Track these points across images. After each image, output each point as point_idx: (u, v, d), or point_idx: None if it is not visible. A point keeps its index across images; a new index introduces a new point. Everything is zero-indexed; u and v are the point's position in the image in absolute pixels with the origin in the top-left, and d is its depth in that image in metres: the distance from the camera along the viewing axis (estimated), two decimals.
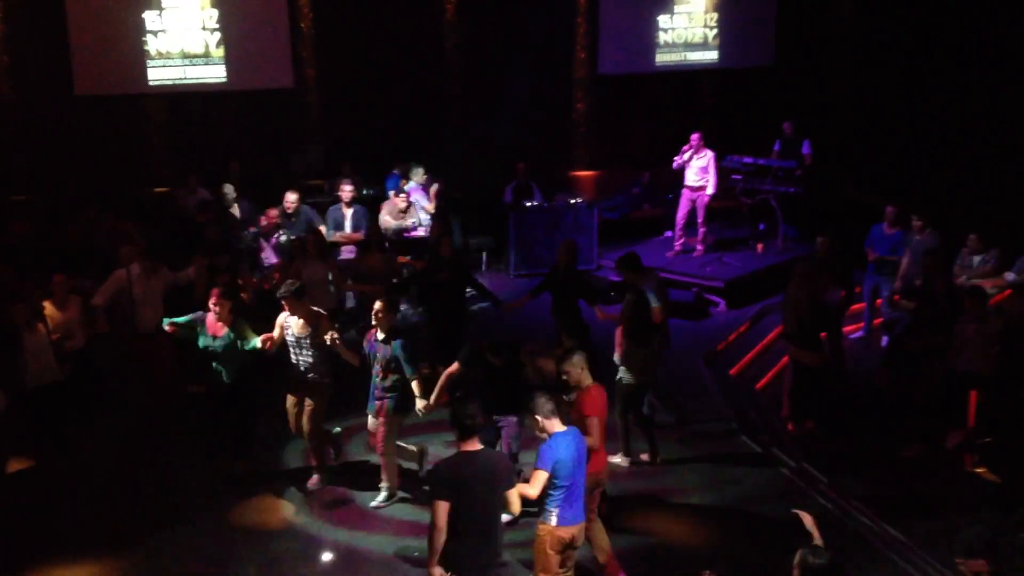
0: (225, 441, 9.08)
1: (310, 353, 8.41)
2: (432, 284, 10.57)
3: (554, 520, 6.37)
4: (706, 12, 17.88)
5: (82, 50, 15.21)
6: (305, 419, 8.53)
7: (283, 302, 8.39)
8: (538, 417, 6.34)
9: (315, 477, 8.81)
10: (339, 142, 16.13)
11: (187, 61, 15.74)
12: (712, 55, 18.06)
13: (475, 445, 5.94)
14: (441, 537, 5.75)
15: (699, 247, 14.20)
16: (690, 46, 17.95)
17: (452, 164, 15.64)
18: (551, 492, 6.32)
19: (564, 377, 7.16)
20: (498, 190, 15.52)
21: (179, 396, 10.05)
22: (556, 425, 6.36)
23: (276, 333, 8.48)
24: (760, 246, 14.39)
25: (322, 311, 8.63)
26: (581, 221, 14.88)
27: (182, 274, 10.26)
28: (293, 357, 8.50)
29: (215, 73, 15.89)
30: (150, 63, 15.57)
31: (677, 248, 14.32)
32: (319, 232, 11.69)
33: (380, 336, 8.22)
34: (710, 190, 13.94)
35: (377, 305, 8.22)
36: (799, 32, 17.83)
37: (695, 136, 13.87)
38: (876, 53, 17.37)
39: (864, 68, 17.52)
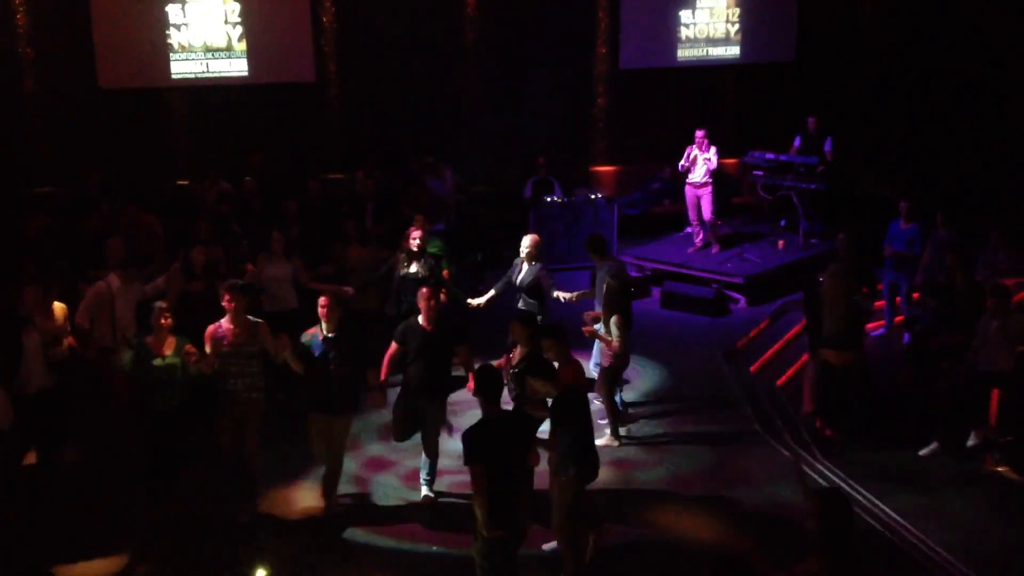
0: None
1: (248, 365, 7.98)
2: (404, 278, 10.26)
3: (573, 471, 6.93)
4: (728, 7, 17.80)
5: (105, 43, 15.30)
6: (246, 442, 8.09)
7: (226, 294, 7.91)
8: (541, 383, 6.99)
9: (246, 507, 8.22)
10: (360, 136, 16.16)
11: (209, 55, 15.81)
12: (734, 50, 17.98)
13: (498, 409, 6.37)
14: (486, 499, 6.10)
15: (715, 245, 14.13)
16: (712, 41, 17.88)
17: (472, 159, 15.66)
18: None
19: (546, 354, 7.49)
20: (518, 185, 15.52)
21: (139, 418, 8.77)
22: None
23: (209, 348, 7.88)
24: (781, 242, 14.32)
25: (260, 320, 8.16)
26: (601, 216, 14.88)
27: (150, 286, 9.61)
28: (227, 371, 7.92)
29: (237, 67, 15.95)
30: (173, 56, 15.65)
31: (698, 244, 14.28)
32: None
33: (328, 332, 7.94)
34: (701, 178, 13.76)
35: (322, 300, 7.95)
36: (821, 28, 17.72)
37: (700, 132, 13.76)
38: (897, 49, 17.27)
39: (885, 64, 17.41)
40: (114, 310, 9.21)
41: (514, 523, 6.28)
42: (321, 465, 8.35)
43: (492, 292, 10.27)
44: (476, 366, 7.05)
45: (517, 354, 7.91)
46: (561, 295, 9.75)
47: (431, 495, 8.38)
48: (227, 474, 8.19)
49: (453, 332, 8.33)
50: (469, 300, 10.29)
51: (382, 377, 8.23)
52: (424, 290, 8.27)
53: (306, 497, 8.58)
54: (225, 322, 7.95)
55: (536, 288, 9.90)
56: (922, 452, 9.16)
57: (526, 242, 9.93)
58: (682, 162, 13.82)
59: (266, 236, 10.81)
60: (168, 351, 7.84)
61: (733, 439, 9.68)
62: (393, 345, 8.25)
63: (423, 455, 8.36)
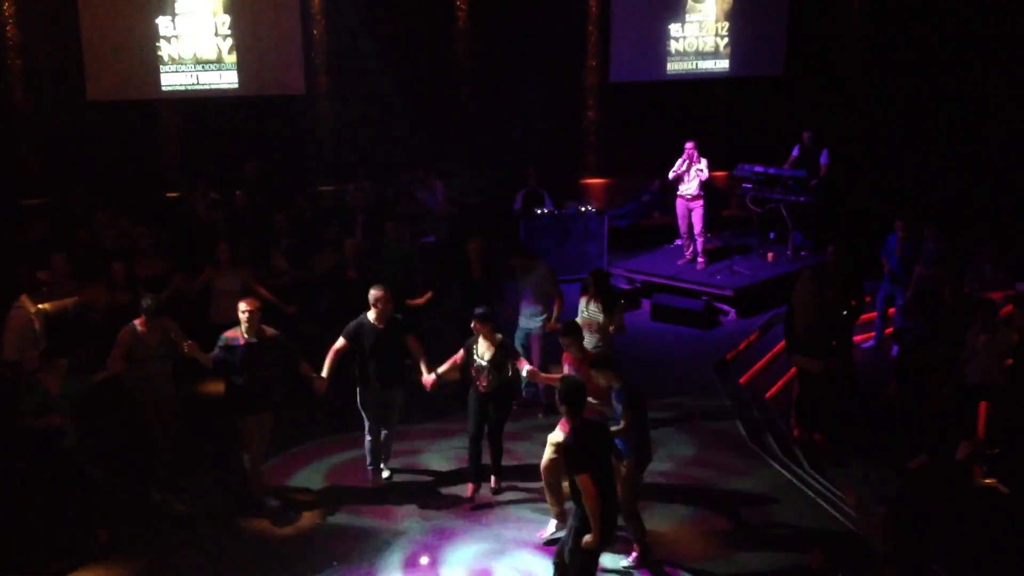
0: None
1: (166, 367, 8.50)
2: (344, 284, 10.83)
3: (639, 457, 7.61)
4: (717, 21, 17.90)
5: (95, 55, 15.27)
6: (165, 441, 8.59)
7: (143, 315, 8.35)
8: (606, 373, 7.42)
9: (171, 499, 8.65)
10: (350, 149, 16.16)
11: (200, 67, 15.79)
12: (723, 64, 18.07)
13: (582, 418, 6.66)
14: (598, 505, 6.35)
15: (700, 259, 14.13)
16: (701, 55, 17.97)
17: (463, 171, 15.67)
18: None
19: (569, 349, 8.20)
20: (509, 197, 15.54)
21: None
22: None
23: (120, 352, 8.28)
24: (770, 255, 14.37)
25: (173, 323, 8.64)
26: (591, 228, 14.90)
27: (53, 306, 9.71)
28: (144, 374, 8.38)
29: (227, 79, 15.94)
30: (163, 68, 15.63)
31: (687, 256, 14.30)
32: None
33: (249, 337, 8.29)
34: (694, 191, 13.78)
35: (244, 306, 8.30)
36: (810, 42, 17.83)
37: (689, 144, 13.77)
38: (886, 63, 17.37)
39: (874, 78, 17.51)
40: (35, 333, 9.34)
41: (610, 525, 6.63)
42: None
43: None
44: (525, 369, 8.53)
45: (487, 347, 8.51)
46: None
47: (388, 473, 9.15)
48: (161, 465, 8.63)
49: (401, 326, 8.80)
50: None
51: (326, 367, 8.61)
52: (380, 293, 8.59)
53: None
54: (139, 324, 8.37)
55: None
56: (911, 464, 9.20)
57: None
58: (672, 172, 13.81)
59: (258, 248, 10.89)
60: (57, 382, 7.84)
61: (722, 451, 9.69)
62: (341, 341, 8.64)
63: (381, 436, 8.97)
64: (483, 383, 8.56)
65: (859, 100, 17.63)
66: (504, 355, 8.58)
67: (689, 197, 13.85)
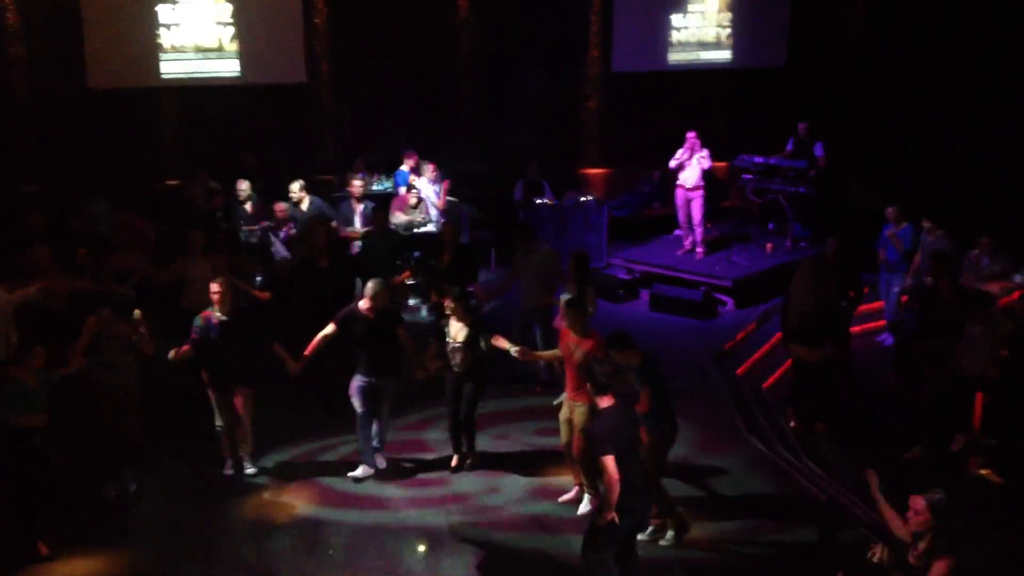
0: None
1: (129, 357, 8.57)
2: (316, 272, 10.85)
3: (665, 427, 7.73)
4: (720, 12, 17.84)
5: (95, 43, 15.26)
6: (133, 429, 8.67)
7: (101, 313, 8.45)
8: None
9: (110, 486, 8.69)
10: (351, 137, 16.17)
11: (200, 55, 15.79)
12: (725, 55, 18.02)
13: (611, 400, 6.64)
14: (617, 488, 6.37)
15: (699, 249, 14.15)
16: (703, 45, 17.92)
17: (463, 160, 15.66)
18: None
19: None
20: (509, 187, 15.54)
21: None
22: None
23: (84, 343, 8.36)
24: (769, 246, 14.37)
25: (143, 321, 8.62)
26: (591, 219, 14.90)
27: (16, 295, 9.53)
28: (105, 362, 8.45)
29: (228, 67, 15.94)
30: (163, 56, 15.62)
31: (687, 246, 14.31)
32: (233, 230, 11.93)
33: (222, 315, 8.56)
34: (695, 181, 13.83)
35: (214, 287, 8.54)
36: (812, 34, 17.78)
37: (691, 134, 13.77)
38: (888, 56, 17.31)
39: (876, 71, 17.46)
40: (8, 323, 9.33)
41: (635, 508, 6.61)
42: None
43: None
44: (514, 349, 8.58)
45: (460, 327, 8.69)
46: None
47: (383, 463, 9.14)
48: (108, 451, 8.64)
49: (393, 315, 8.91)
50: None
51: (308, 351, 8.72)
52: (375, 289, 8.67)
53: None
54: (106, 314, 8.47)
55: None
56: (906, 456, 9.21)
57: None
58: (674, 160, 13.82)
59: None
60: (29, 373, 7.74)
61: (719, 441, 9.71)
62: (331, 326, 8.73)
63: (374, 426, 9.01)
64: (457, 362, 8.71)
65: (860, 92, 17.58)
66: (477, 334, 8.68)
67: (689, 187, 13.85)
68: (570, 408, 8.26)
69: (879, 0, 17.82)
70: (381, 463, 9.12)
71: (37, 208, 12.78)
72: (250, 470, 8.99)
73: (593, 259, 14.44)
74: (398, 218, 13.16)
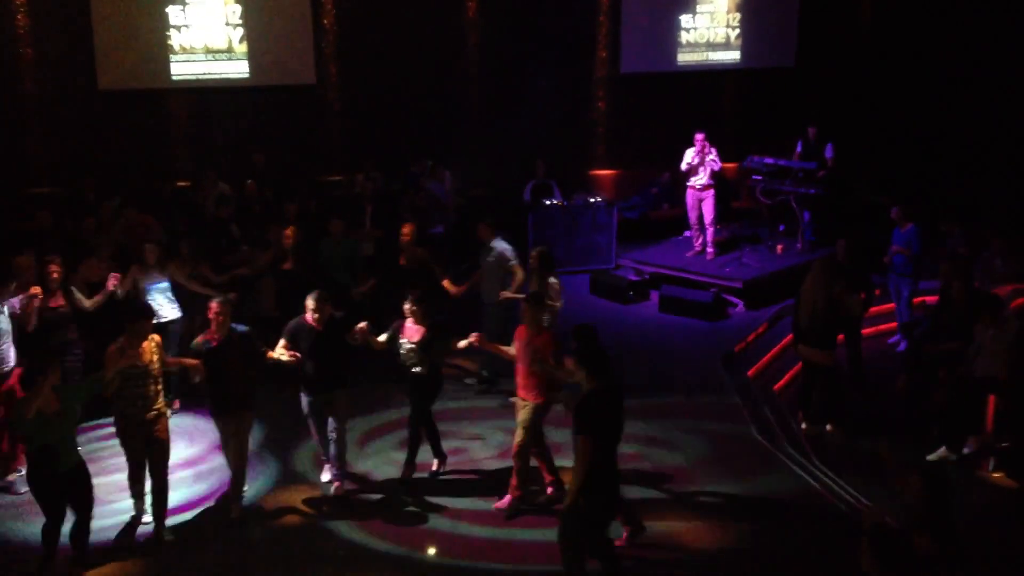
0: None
1: (148, 385, 7.94)
2: (283, 275, 10.75)
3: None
4: (728, 12, 17.83)
5: (105, 44, 15.32)
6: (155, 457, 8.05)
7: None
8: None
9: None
10: (359, 139, 16.18)
11: (210, 56, 15.83)
12: (734, 55, 18.01)
13: (601, 382, 6.66)
14: (586, 470, 6.42)
15: (710, 249, 14.15)
16: (712, 46, 17.91)
17: (472, 162, 15.67)
18: None
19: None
20: (518, 188, 15.53)
21: None
22: None
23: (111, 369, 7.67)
24: (780, 247, 14.33)
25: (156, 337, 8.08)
26: (600, 220, 14.89)
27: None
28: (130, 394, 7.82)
29: (238, 69, 15.98)
30: (173, 58, 15.67)
31: (697, 248, 14.29)
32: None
33: (220, 336, 8.09)
34: (705, 180, 13.84)
35: (213, 307, 8.11)
36: (821, 34, 17.75)
37: (700, 136, 13.77)
38: (896, 56, 17.29)
39: (884, 71, 17.43)
40: None
41: (602, 491, 6.64)
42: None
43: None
44: (471, 338, 8.39)
45: (416, 330, 8.52)
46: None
47: (340, 485, 8.62)
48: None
49: (340, 326, 8.53)
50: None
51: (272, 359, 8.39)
52: (314, 302, 8.35)
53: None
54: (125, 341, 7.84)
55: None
56: (930, 457, 9.14)
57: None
58: (685, 163, 13.81)
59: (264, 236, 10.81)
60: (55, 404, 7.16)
61: (730, 443, 9.67)
62: (282, 340, 8.41)
63: (331, 447, 8.53)
64: (411, 366, 8.59)
65: (869, 92, 17.56)
66: (432, 337, 8.54)
67: (700, 187, 13.85)
68: (520, 406, 8.29)
69: (887, 0, 17.81)
70: (339, 490, 8.61)
71: (45, 209, 12.73)
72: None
73: (603, 260, 14.61)
74: None
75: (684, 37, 17.75)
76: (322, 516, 8.37)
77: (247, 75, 16.01)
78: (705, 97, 17.82)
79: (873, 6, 18.01)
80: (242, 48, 15.93)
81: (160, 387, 7.95)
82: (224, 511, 8.37)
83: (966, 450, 9.20)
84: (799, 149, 14.91)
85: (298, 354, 8.31)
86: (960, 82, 16.49)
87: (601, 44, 17.39)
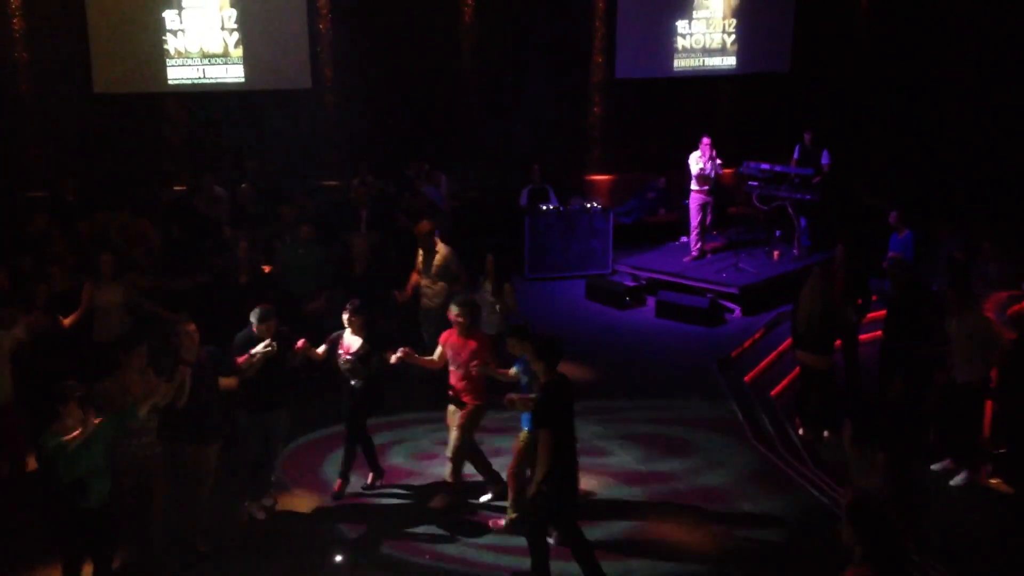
0: None
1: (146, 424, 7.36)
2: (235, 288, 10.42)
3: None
4: (724, 18, 17.85)
5: (101, 48, 15.27)
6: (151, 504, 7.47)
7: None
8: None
9: None
10: (355, 143, 16.15)
11: (206, 61, 15.79)
12: (730, 61, 18.02)
13: (557, 374, 6.96)
14: (550, 460, 6.67)
15: (708, 255, 14.19)
16: (708, 52, 17.91)
17: (468, 166, 15.65)
18: None
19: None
20: (514, 193, 15.53)
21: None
22: None
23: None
24: (776, 253, 14.34)
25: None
26: (596, 225, 14.89)
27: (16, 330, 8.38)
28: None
29: (234, 73, 15.94)
30: (169, 62, 15.63)
31: (694, 253, 14.30)
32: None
33: (192, 361, 7.46)
34: (711, 185, 13.92)
35: (187, 328, 7.52)
36: (817, 39, 17.78)
37: (706, 140, 13.81)
38: (892, 61, 17.32)
39: (880, 76, 17.46)
40: None
41: (563, 478, 6.84)
42: None
43: None
44: (399, 353, 8.23)
45: (355, 341, 8.37)
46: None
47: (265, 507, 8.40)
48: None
49: (288, 341, 8.17)
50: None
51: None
52: (261, 322, 8.02)
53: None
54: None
55: None
56: (935, 467, 9.09)
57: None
58: (696, 167, 13.87)
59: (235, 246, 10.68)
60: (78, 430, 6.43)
61: (726, 448, 9.67)
62: (244, 356, 7.98)
63: (270, 463, 8.41)
64: (349, 376, 8.44)
65: (865, 98, 17.58)
66: (370, 349, 8.37)
67: (707, 191, 13.93)
68: (452, 412, 8.33)
69: (883, 5, 17.85)
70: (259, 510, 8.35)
71: (41, 212, 12.70)
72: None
73: (599, 265, 14.62)
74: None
75: (680, 43, 17.74)
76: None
77: (243, 79, 15.97)
78: (701, 103, 17.82)
79: (868, 12, 18.06)
80: (238, 52, 15.90)
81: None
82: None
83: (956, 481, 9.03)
84: (796, 155, 14.95)
85: (271, 343, 7.91)
86: (955, 86, 16.52)
87: (597, 49, 17.38)
